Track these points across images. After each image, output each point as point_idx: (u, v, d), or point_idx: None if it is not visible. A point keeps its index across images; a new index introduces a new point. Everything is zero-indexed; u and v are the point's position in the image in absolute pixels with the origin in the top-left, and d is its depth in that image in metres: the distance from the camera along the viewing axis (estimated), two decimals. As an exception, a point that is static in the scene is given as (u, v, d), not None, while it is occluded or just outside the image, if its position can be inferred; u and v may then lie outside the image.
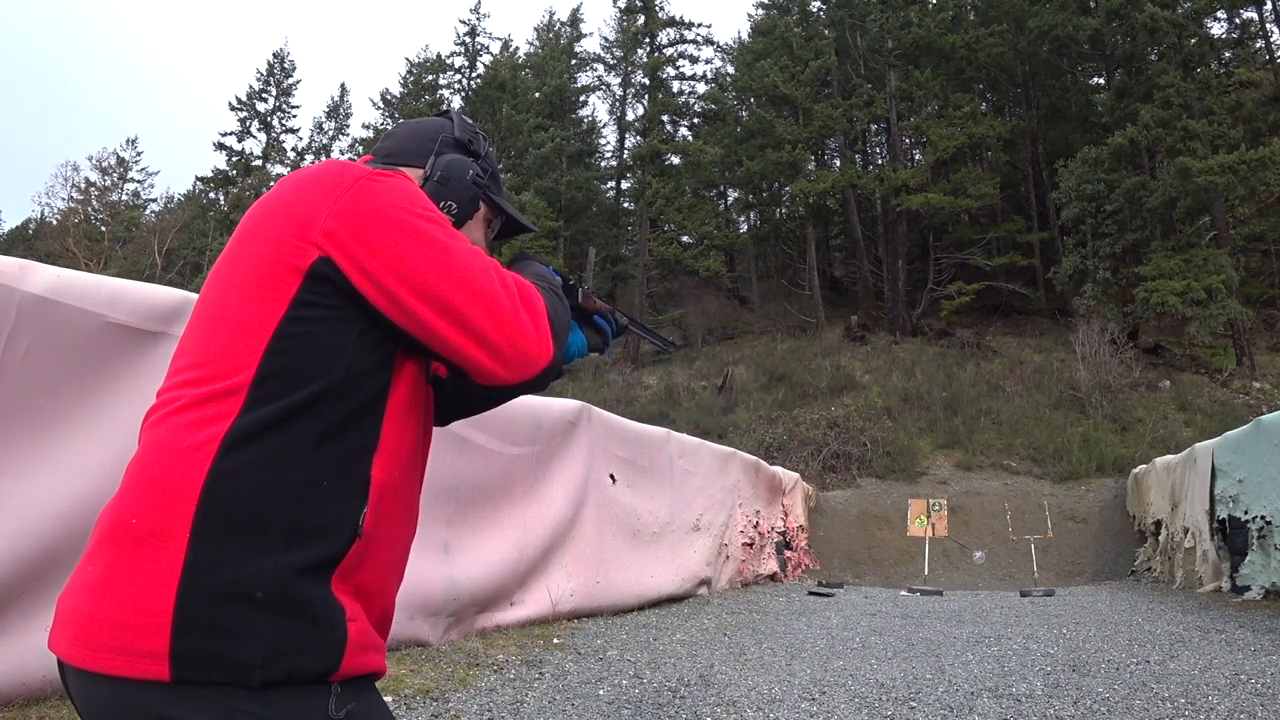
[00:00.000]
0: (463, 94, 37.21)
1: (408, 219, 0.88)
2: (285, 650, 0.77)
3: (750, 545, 9.97)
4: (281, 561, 0.78)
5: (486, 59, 38.46)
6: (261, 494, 0.80)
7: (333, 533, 0.83)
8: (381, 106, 39.16)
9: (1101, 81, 26.54)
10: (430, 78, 38.29)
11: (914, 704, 3.61)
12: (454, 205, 1.06)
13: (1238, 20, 25.52)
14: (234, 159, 35.16)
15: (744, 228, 35.26)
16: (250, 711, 0.75)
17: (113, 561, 0.79)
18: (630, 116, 36.33)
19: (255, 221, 0.91)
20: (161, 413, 0.86)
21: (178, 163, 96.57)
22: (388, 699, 3.29)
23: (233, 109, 35.98)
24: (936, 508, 11.72)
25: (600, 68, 38.80)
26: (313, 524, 0.81)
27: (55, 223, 40.43)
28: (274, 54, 37.83)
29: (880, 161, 32.50)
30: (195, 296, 3.48)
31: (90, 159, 53.35)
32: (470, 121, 1.16)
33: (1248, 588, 7.47)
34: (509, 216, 1.19)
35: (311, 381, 0.84)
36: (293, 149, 37.37)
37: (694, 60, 34.70)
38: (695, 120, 35.52)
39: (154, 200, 45.42)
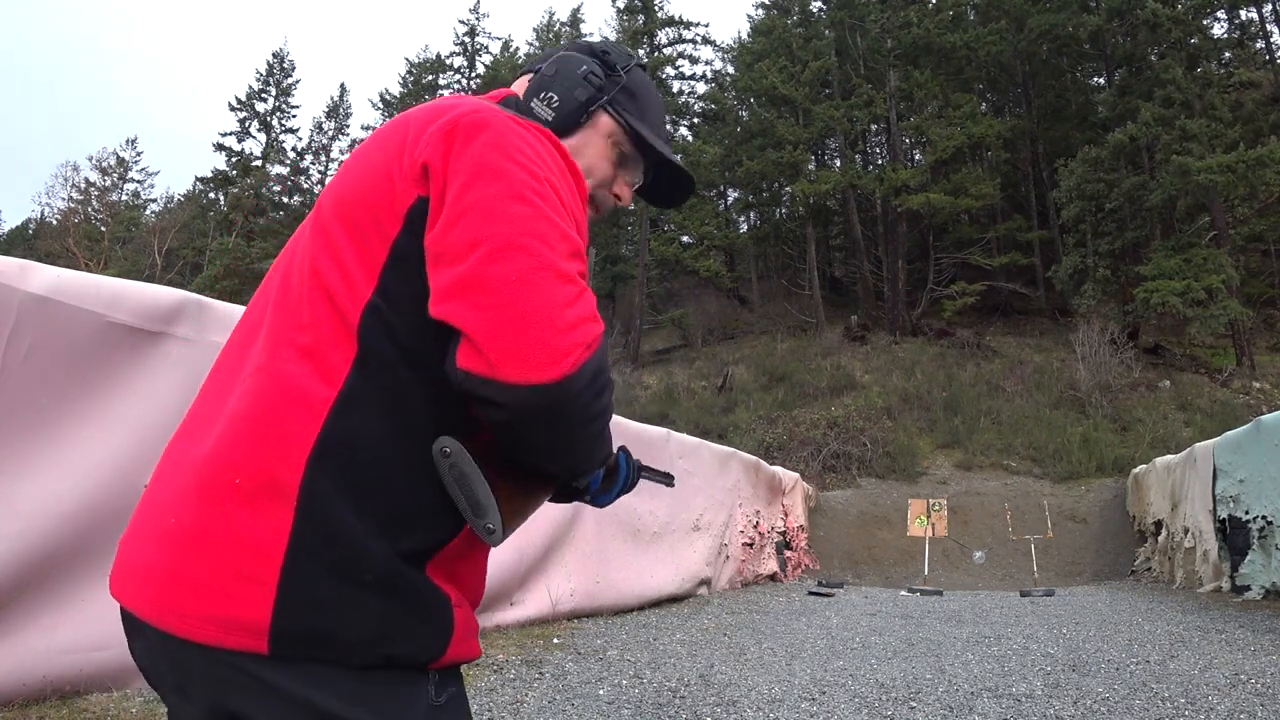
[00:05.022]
0: (462, 94, 37.28)
1: (498, 161, 0.75)
2: (390, 636, 0.73)
3: (750, 545, 9.97)
4: (391, 542, 0.74)
5: (486, 59, 38.49)
6: (375, 463, 0.74)
7: (442, 516, 0.77)
8: (381, 107, 39.19)
9: (1101, 81, 26.56)
10: (430, 78, 38.31)
11: (914, 704, 3.61)
12: (554, 98, 0.94)
13: (1238, 20, 25.54)
14: (234, 159, 35.16)
15: (744, 228, 35.27)
16: (346, 688, 0.72)
17: (208, 518, 0.74)
18: (630, 116, 36.30)
19: (356, 164, 0.84)
20: (264, 359, 0.78)
21: (178, 163, 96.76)
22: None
23: (232, 109, 36.01)
24: (936, 508, 11.71)
25: (600, 68, 38.79)
26: (423, 505, 0.76)
27: (55, 223, 40.43)
28: (274, 54, 37.87)
29: (880, 161, 32.50)
30: (196, 296, 3.48)
31: (90, 159, 53.38)
32: (624, 47, 1.03)
33: (1248, 588, 7.47)
34: (655, 159, 1.01)
35: (420, 343, 0.76)
36: (292, 149, 37.40)
37: (694, 60, 34.76)
38: (695, 120, 35.55)
39: (154, 200, 45.51)
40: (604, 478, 0.94)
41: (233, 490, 0.73)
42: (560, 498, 0.90)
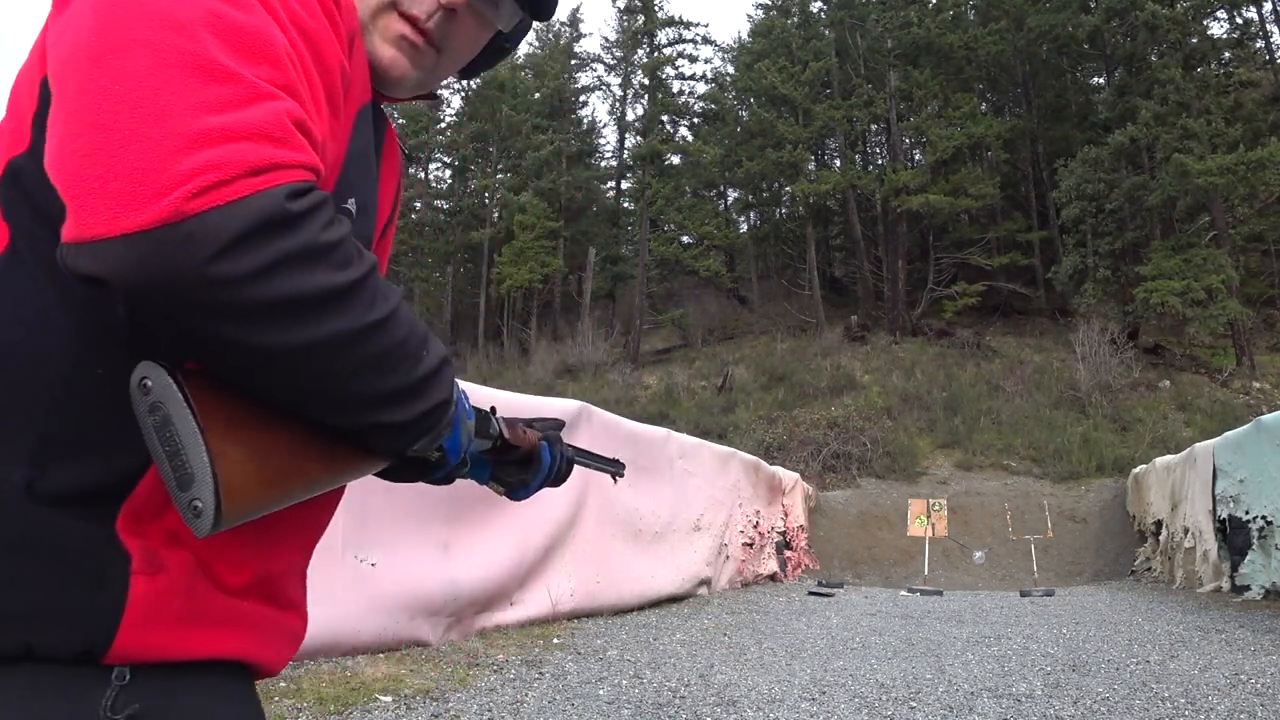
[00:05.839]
0: (461, 94, 37.22)
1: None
2: (26, 612, 0.51)
3: (750, 545, 9.97)
4: (37, 472, 0.52)
5: (485, 59, 38.47)
6: (16, 365, 0.53)
7: (116, 447, 0.53)
8: (381, 106, 39.14)
9: (1101, 81, 26.58)
10: (429, 78, 38.27)
11: (914, 704, 3.61)
12: None
13: (1238, 20, 25.54)
14: (234, 159, 35.19)
15: (744, 228, 35.31)
16: None
17: None
18: (630, 116, 36.40)
19: None
20: None
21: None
22: (387, 699, 3.27)
23: (233, 109, 36.03)
24: (936, 508, 11.71)
25: (600, 68, 38.88)
26: (95, 423, 0.54)
27: (55, 223, 40.49)
28: (274, 54, 37.84)
29: (880, 162, 32.52)
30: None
31: (90, 159, 53.38)
32: None
33: (1248, 587, 7.48)
34: None
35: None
36: (292, 149, 37.33)
37: (694, 60, 34.92)
38: (695, 120, 35.56)
39: (154, 200, 45.51)
40: (526, 466, 0.81)
41: None
42: (398, 475, 0.66)
